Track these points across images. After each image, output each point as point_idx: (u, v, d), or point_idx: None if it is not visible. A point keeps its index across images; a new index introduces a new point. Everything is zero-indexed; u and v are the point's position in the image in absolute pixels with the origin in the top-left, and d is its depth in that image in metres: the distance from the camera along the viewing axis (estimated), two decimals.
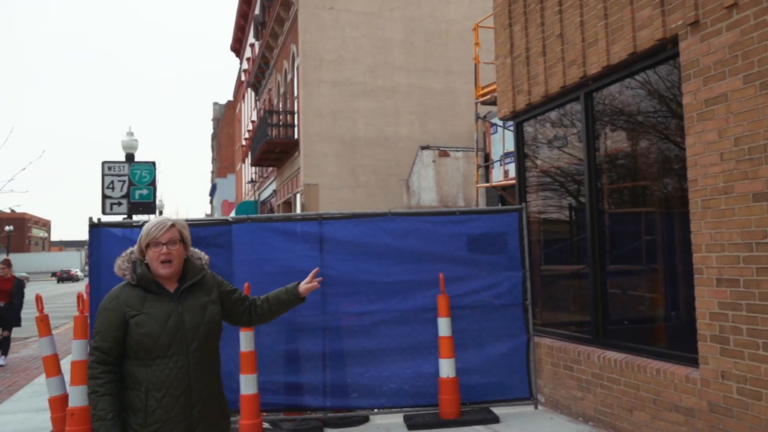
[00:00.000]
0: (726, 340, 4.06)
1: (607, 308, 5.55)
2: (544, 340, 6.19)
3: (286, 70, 21.57)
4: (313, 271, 3.09)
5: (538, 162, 6.76)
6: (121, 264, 2.68)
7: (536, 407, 6.10)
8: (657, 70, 4.90)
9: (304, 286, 3.01)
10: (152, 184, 14.53)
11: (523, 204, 6.42)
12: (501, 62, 6.99)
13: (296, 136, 19.44)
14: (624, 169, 5.51)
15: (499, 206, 11.27)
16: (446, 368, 5.83)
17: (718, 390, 4.12)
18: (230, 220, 6.20)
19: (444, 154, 18.20)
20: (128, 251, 2.72)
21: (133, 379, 2.58)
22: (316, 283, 3.05)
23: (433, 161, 18.10)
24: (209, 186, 66.55)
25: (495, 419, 5.73)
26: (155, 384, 2.56)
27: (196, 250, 2.84)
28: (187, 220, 5.90)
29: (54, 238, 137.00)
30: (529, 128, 6.82)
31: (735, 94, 3.99)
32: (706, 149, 4.21)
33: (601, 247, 5.60)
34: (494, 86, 11.63)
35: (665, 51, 4.68)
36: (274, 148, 20.31)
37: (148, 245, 2.65)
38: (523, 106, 6.54)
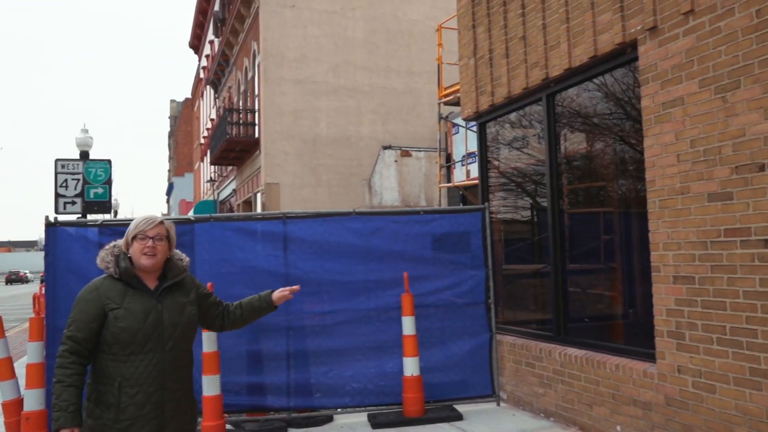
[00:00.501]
0: (682, 336, 4.19)
1: (568, 306, 5.67)
2: (506, 338, 6.28)
3: (246, 67, 21.32)
4: (294, 288, 3.11)
5: (501, 162, 6.86)
6: (104, 256, 2.71)
7: (499, 404, 6.19)
8: (617, 73, 5.03)
9: (278, 294, 3.04)
10: (108, 182, 14.17)
11: (486, 203, 6.50)
12: (464, 63, 7.06)
13: (257, 135, 19.24)
14: (585, 169, 5.64)
15: (462, 206, 11.38)
16: (410, 367, 5.86)
17: (675, 384, 4.25)
18: (192, 219, 6.10)
19: (406, 154, 18.29)
20: (111, 244, 2.76)
21: (106, 374, 2.60)
22: (289, 293, 3.06)
23: (395, 161, 18.17)
24: (166, 185, 65.26)
25: (458, 417, 5.79)
26: (129, 380, 2.58)
27: (178, 251, 2.89)
28: None
29: (1, 238, 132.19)
30: (492, 129, 6.91)
31: (691, 97, 4.13)
32: (664, 151, 4.35)
33: (561, 246, 5.71)
34: (457, 87, 11.74)
35: (625, 55, 4.80)
36: (234, 147, 20.05)
37: (135, 237, 2.70)
38: (486, 107, 6.62)
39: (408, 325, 5.90)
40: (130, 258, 2.70)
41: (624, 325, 5.18)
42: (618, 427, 4.77)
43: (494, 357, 6.24)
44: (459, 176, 13.91)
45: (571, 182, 5.76)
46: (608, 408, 4.87)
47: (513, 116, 6.50)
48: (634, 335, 4.92)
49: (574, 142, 5.73)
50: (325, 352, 6.11)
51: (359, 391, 6.09)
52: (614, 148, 5.22)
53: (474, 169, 13.06)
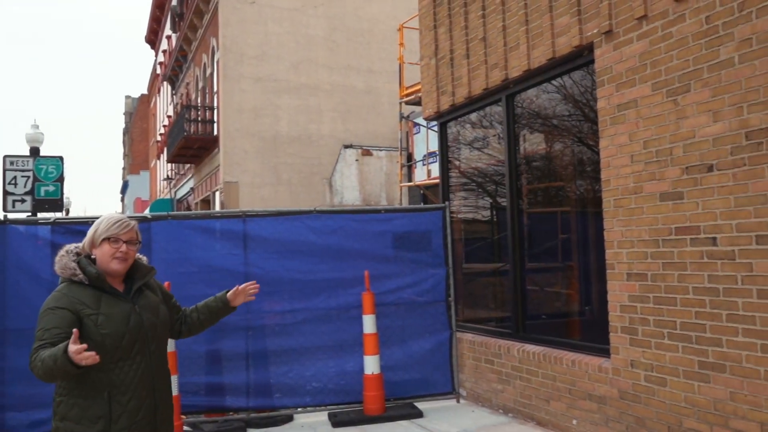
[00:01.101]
0: (635, 331, 4.32)
1: (526, 304, 5.77)
2: (466, 336, 6.36)
3: (205, 64, 21.00)
4: (254, 285, 2.93)
5: (462, 162, 6.93)
6: (66, 263, 2.53)
7: (458, 401, 6.26)
8: (574, 75, 5.15)
9: (232, 293, 2.90)
10: (59, 180, 13.76)
11: (447, 202, 6.56)
12: (426, 63, 7.11)
13: (216, 133, 18.98)
14: (543, 169, 5.75)
15: (423, 205, 11.46)
16: (371, 365, 5.88)
17: (628, 378, 4.38)
18: (149, 217, 5.98)
19: (367, 153, 18.30)
20: (66, 249, 2.59)
21: (90, 385, 2.42)
22: (243, 292, 2.90)
23: (356, 160, 18.17)
24: (120, 183, 63.73)
25: (419, 414, 5.83)
26: (120, 388, 2.45)
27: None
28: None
29: None
30: (452, 128, 6.98)
31: (644, 100, 4.25)
32: (618, 151, 4.47)
33: (520, 245, 5.81)
34: (418, 86, 11.82)
35: (582, 57, 4.92)
36: (192, 144, 19.73)
37: (106, 239, 2.55)
38: (447, 107, 6.68)
39: (369, 323, 5.91)
40: (93, 261, 2.56)
41: (580, 322, 5.31)
42: (574, 421, 4.88)
43: (454, 355, 6.31)
44: (420, 176, 14.01)
45: (530, 182, 5.86)
46: (565, 403, 4.98)
47: (473, 116, 6.58)
48: (590, 331, 5.04)
49: (533, 142, 5.83)
50: (285, 352, 6.07)
51: (319, 390, 6.08)
52: (572, 149, 5.34)
53: (435, 169, 13.17)
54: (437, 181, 11.29)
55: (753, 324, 3.54)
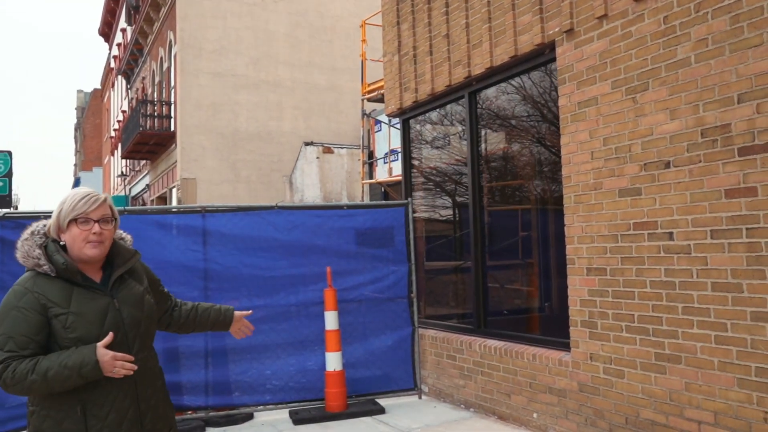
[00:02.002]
0: (594, 325, 4.40)
1: (488, 300, 5.82)
2: (428, 332, 6.37)
3: (162, 58, 20.55)
4: (249, 326, 2.73)
5: (424, 159, 6.95)
6: (29, 251, 2.12)
7: (420, 397, 6.27)
8: (536, 73, 5.21)
9: (239, 314, 2.67)
10: (8, 175, 13.30)
11: (409, 199, 6.57)
12: (389, 60, 7.10)
13: (173, 128, 18.59)
14: (506, 166, 5.80)
15: (386, 201, 11.44)
16: (333, 362, 5.84)
17: (587, 371, 4.45)
18: None
19: (328, 150, 18.21)
20: (28, 232, 2.17)
21: (59, 399, 2.08)
22: (243, 323, 2.69)
23: (317, 158, 18.06)
24: (72, 180, 61.90)
25: (381, 410, 5.82)
26: (96, 400, 2.09)
27: (119, 230, 2.36)
28: (50, 213, 5.44)
29: None
30: (415, 125, 6.98)
31: (604, 97, 4.33)
32: (579, 148, 4.54)
33: (482, 241, 5.85)
34: (381, 83, 11.82)
35: (544, 55, 4.98)
36: (148, 140, 19.30)
37: (73, 221, 2.13)
38: (410, 104, 6.69)
39: (331, 320, 5.87)
40: (64, 247, 2.15)
41: (541, 317, 5.38)
42: (535, 415, 4.94)
43: (416, 351, 6.32)
44: (381, 174, 14.01)
45: (492, 179, 5.91)
46: (525, 396, 5.03)
47: (436, 113, 6.61)
48: (550, 326, 5.12)
49: (495, 139, 5.88)
50: (245, 349, 5.98)
51: (280, 388, 6.00)
52: (533, 146, 5.40)
53: (396, 167, 13.19)
54: (399, 178, 11.31)
55: (707, 316, 3.65)
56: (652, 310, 3.98)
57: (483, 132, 5.93)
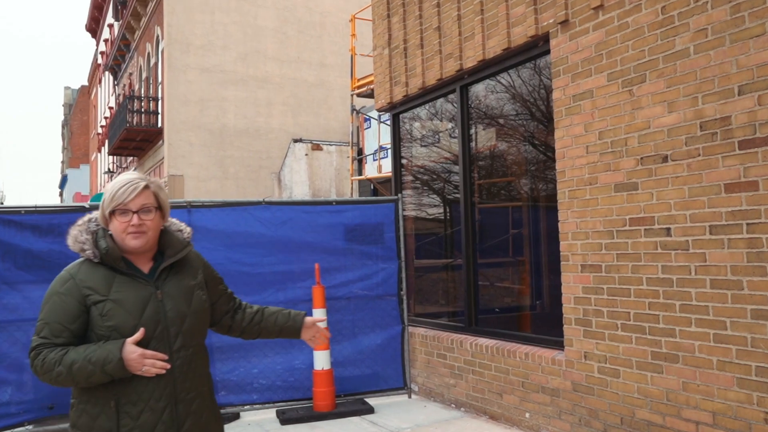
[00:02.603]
0: (589, 323, 4.30)
1: (479, 297, 5.71)
2: (418, 330, 6.26)
3: (149, 53, 20.29)
4: (325, 332, 2.50)
5: (415, 154, 6.83)
6: (77, 236, 2.06)
7: (410, 396, 6.16)
8: (530, 66, 5.10)
9: (311, 321, 2.42)
10: None
11: (399, 195, 6.45)
12: (379, 53, 6.97)
13: (160, 124, 18.35)
14: (498, 161, 5.69)
15: (375, 197, 11.32)
16: (321, 360, 5.71)
17: (581, 370, 4.35)
18: (87, 206, 5.63)
19: (317, 147, 18.05)
20: (86, 219, 2.10)
21: (96, 392, 1.99)
22: (317, 331, 2.44)
23: (306, 154, 17.89)
24: (59, 177, 61.24)
25: (370, 410, 5.70)
26: (130, 397, 1.98)
27: (175, 220, 2.25)
28: (36, 207, 5.29)
29: None
30: (405, 120, 6.86)
31: (600, 90, 4.23)
32: (573, 142, 4.44)
33: (473, 238, 5.74)
34: (370, 78, 11.69)
35: (537, 48, 4.87)
36: (135, 136, 19.05)
37: (113, 212, 2.03)
38: (401, 98, 6.56)
39: (319, 317, 5.72)
40: (111, 235, 2.06)
41: (534, 315, 5.28)
42: (527, 415, 4.84)
43: (406, 349, 6.20)
44: (371, 171, 13.90)
45: (484, 175, 5.80)
46: (518, 396, 4.93)
47: (427, 108, 6.49)
48: (544, 324, 5.02)
49: (487, 133, 5.77)
50: (231, 348, 5.83)
51: (267, 387, 5.87)
52: (527, 140, 5.30)
53: (386, 164, 13.07)
54: (389, 175, 11.18)
55: (706, 314, 3.55)
56: (649, 308, 3.88)
57: (475, 126, 5.81)
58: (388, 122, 7.14)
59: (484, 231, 5.79)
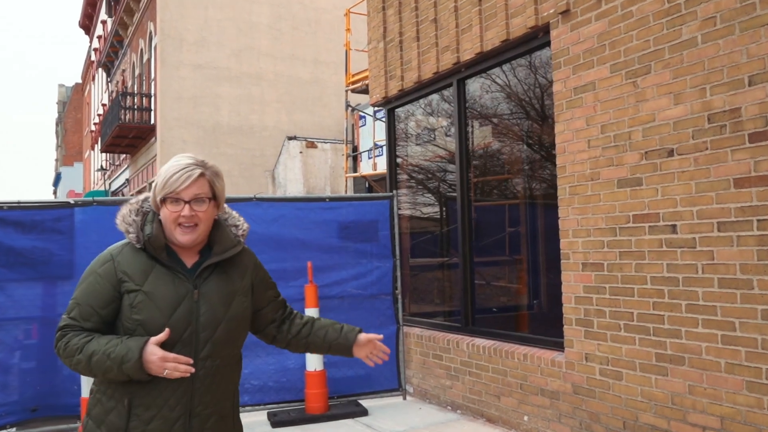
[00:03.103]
0: (590, 323, 4.15)
1: (476, 297, 5.56)
2: (413, 330, 6.11)
3: (142, 49, 20.07)
4: (384, 349, 2.25)
5: (410, 150, 6.67)
6: (126, 215, 1.89)
7: (405, 398, 6.00)
8: (529, 57, 4.95)
9: (366, 337, 2.17)
10: None
11: (395, 191, 6.29)
12: (374, 47, 6.81)
13: (153, 121, 18.15)
14: (496, 157, 5.54)
15: (370, 193, 11.17)
16: (313, 361, 5.55)
17: (582, 372, 4.21)
18: (72, 202, 5.45)
19: (311, 145, 17.86)
20: (141, 198, 1.94)
21: (113, 385, 1.85)
22: (373, 347, 2.19)
23: (300, 152, 17.71)
24: (53, 175, 60.90)
25: (363, 412, 5.54)
26: (143, 399, 1.82)
27: (234, 212, 2.09)
28: (19, 203, 5.11)
29: None
30: (401, 115, 6.71)
31: (602, 82, 4.08)
32: (575, 136, 4.29)
33: (470, 236, 5.59)
34: (365, 74, 11.52)
35: (537, 39, 4.72)
36: (128, 133, 18.83)
37: (164, 200, 1.87)
38: (396, 92, 6.41)
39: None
40: (160, 221, 1.90)
41: (533, 315, 5.13)
42: (525, 417, 4.69)
43: (401, 350, 6.05)
44: (366, 169, 13.75)
45: (481, 171, 5.65)
46: (516, 398, 4.78)
47: (423, 102, 6.33)
48: (543, 324, 4.87)
49: (485, 129, 5.62)
50: None
51: (258, 388, 5.70)
52: (526, 135, 5.15)
53: (381, 162, 12.92)
54: (384, 172, 11.04)
55: (713, 314, 3.41)
56: (653, 308, 3.73)
57: (472, 121, 5.66)
58: (384, 119, 6.98)
59: (481, 229, 5.63)
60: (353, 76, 12.11)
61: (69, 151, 51.66)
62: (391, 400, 5.96)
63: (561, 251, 4.39)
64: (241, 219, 2.11)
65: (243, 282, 2.00)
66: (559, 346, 4.46)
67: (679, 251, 3.59)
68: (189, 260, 1.93)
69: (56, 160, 59.79)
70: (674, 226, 3.62)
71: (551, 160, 4.65)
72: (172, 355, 1.78)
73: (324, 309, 5.71)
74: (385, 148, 7.48)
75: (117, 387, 1.84)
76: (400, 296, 6.06)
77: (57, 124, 59.92)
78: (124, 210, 1.92)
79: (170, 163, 1.90)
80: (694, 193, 3.51)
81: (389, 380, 6.05)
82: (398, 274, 6.07)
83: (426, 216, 6.67)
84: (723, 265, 3.37)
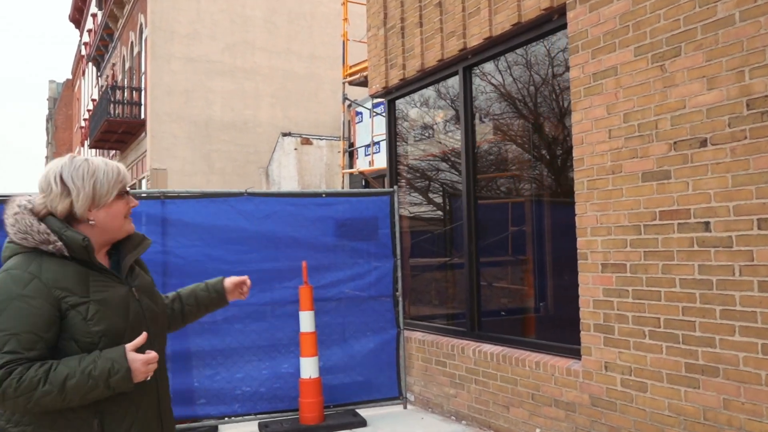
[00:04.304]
0: (610, 329, 3.81)
1: (482, 299, 5.22)
2: (414, 334, 5.76)
3: (132, 42, 19.64)
4: (245, 280, 2.25)
5: (412, 144, 6.33)
6: (30, 226, 1.67)
7: (406, 407, 5.65)
8: (543, 42, 4.61)
9: (230, 282, 2.19)
10: None
11: (395, 187, 5.94)
12: (373, 34, 6.46)
13: (143, 116, 17.72)
14: (504, 151, 5.20)
15: (369, 188, 10.81)
16: (308, 368, 5.20)
17: (601, 382, 3.87)
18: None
19: (306, 141, 17.50)
20: (18, 202, 1.72)
21: (70, 413, 1.66)
22: (244, 287, 2.23)
23: (295, 149, 17.34)
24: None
25: (362, 422, 5.19)
26: (115, 413, 1.70)
27: None
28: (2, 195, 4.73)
29: None
30: (402, 106, 6.35)
31: (625, 67, 3.74)
32: (594, 126, 3.95)
33: (477, 235, 5.25)
34: (363, 65, 11.14)
35: (551, 22, 4.38)
36: (117, 129, 18.40)
37: (122, 194, 1.82)
38: (397, 82, 6.05)
39: (306, 321, 5.22)
40: (68, 224, 1.75)
41: (545, 319, 4.79)
42: (537, 430, 4.35)
43: (401, 355, 5.70)
44: (362, 166, 13.41)
45: (488, 165, 5.31)
46: (527, 409, 4.44)
47: (426, 92, 5.98)
48: (556, 330, 4.53)
49: (493, 120, 5.28)
50: (210, 354, 5.31)
51: (250, 396, 5.35)
52: (537, 126, 4.81)
53: (378, 159, 12.57)
54: (382, 168, 10.68)
55: (753, 321, 3.08)
56: (683, 314, 3.40)
57: (479, 112, 5.32)
58: (383, 114, 6.64)
59: (487, 226, 5.29)
60: (351, 67, 11.74)
61: (59, 148, 51.13)
62: (390, 409, 5.62)
63: (578, 251, 4.05)
64: None
65: (149, 274, 2.02)
66: (575, 354, 4.13)
67: (713, 251, 3.26)
68: (104, 263, 1.85)
69: (46, 157, 59.16)
70: (707, 223, 3.28)
71: (566, 153, 4.31)
72: (152, 354, 1.70)
73: (320, 311, 5.37)
74: (384, 141, 7.13)
75: (80, 412, 1.65)
76: (401, 298, 5.71)
77: (47, 121, 59.27)
78: (26, 221, 1.68)
79: (96, 162, 1.79)
80: (731, 187, 3.18)
81: (389, 388, 5.70)
82: (399, 274, 5.72)
83: (428, 213, 6.33)
84: (764, 267, 3.04)
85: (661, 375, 3.52)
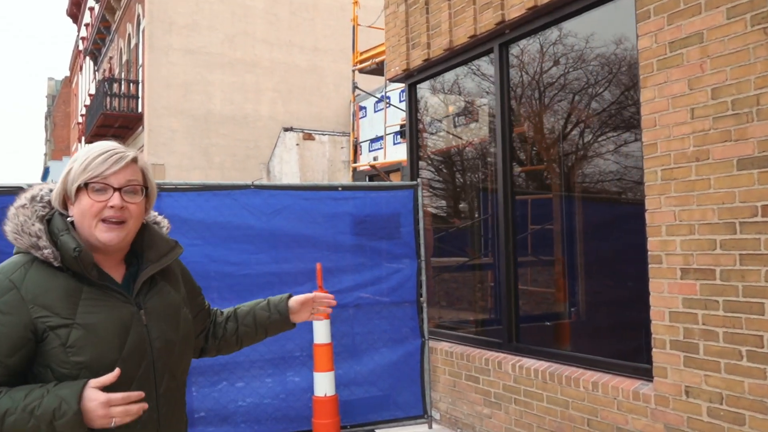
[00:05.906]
0: (694, 347, 3.19)
1: (521, 306, 4.59)
2: (441, 345, 5.14)
3: (129, 34, 18.99)
4: (330, 298, 1.95)
5: (436, 132, 5.70)
6: (24, 224, 1.44)
7: (431, 426, 5.03)
8: (602, 9, 3.97)
9: (297, 302, 1.88)
10: None
11: (419, 180, 5.31)
12: (392, 11, 5.83)
13: (140, 109, 17.08)
14: (549, 138, 4.57)
15: (390, 182, 10.17)
16: (323, 385, 4.58)
17: (681, 410, 3.24)
18: (26, 187, 4.45)
19: (308, 137, 16.86)
20: (28, 197, 1.48)
21: None
22: (313, 303, 1.93)
23: (297, 144, 16.70)
24: (41, 170, 59.73)
25: None
26: None
27: (152, 211, 1.66)
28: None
29: None
30: (424, 90, 5.72)
31: (714, 32, 3.12)
32: (670, 105, 3.32)
33: (514, 233, 4.62)
34: (375, 51, 10.49)
35: None
36: (113, 122, 17.76)
37: (83, 187, 1.43)
38: (420, 63, 5.42)
39: (321, 331, 4.60)
40: (73, 224, 1.48)
41: (598, 332, 4.16)
42: None
43: (426, 368, 5.07)
44: (366, 161, 12.86)
45: (528, 156, 4.68)
46: None
47: (454, 73, 5.35)
48: (618, 344, 3.91)
49: (535, 104, 4.65)
50: (211, 367, 4.69)
51: (255, 416, 4.74)
52: (590, 109, 4.18)
53: (381, 155, 11.98)
54: (392, 162, 10.06)
55: None
56: None
57: (517, 95, 4.69)
58: (391, 105, 6.03)
59: (528, 223, 4.67)
60: (361, 54, 11.10)
61: (58, 146, 50.70)
62: (414, 429, 5.00)
63: (649, 253, 3.42)
64: (159, 215, 1.69)
65: (181, 291, 1.66)
66: (644, 374, 3.50)
67: None
68: (116, 273, 1.50)
69: (45, 154, 58.58)
70: None
71: (633, 137, 3.68)
72: (118, 395, 1.36)
73: (336, 320, 4.75)
74: (397, 132, 6.48)
75: None
76: (425, 304, 5.08)
77: (46, 118, 58.69)
78: (20, 218, 1.44)
79: (91, 147, 1.49)
80: None
81: (412, 405, 5.07)
82: (423, 277, 5.09)
83: (454, 209, 5.71)
84: None
85: (763, 405, 2.89)
